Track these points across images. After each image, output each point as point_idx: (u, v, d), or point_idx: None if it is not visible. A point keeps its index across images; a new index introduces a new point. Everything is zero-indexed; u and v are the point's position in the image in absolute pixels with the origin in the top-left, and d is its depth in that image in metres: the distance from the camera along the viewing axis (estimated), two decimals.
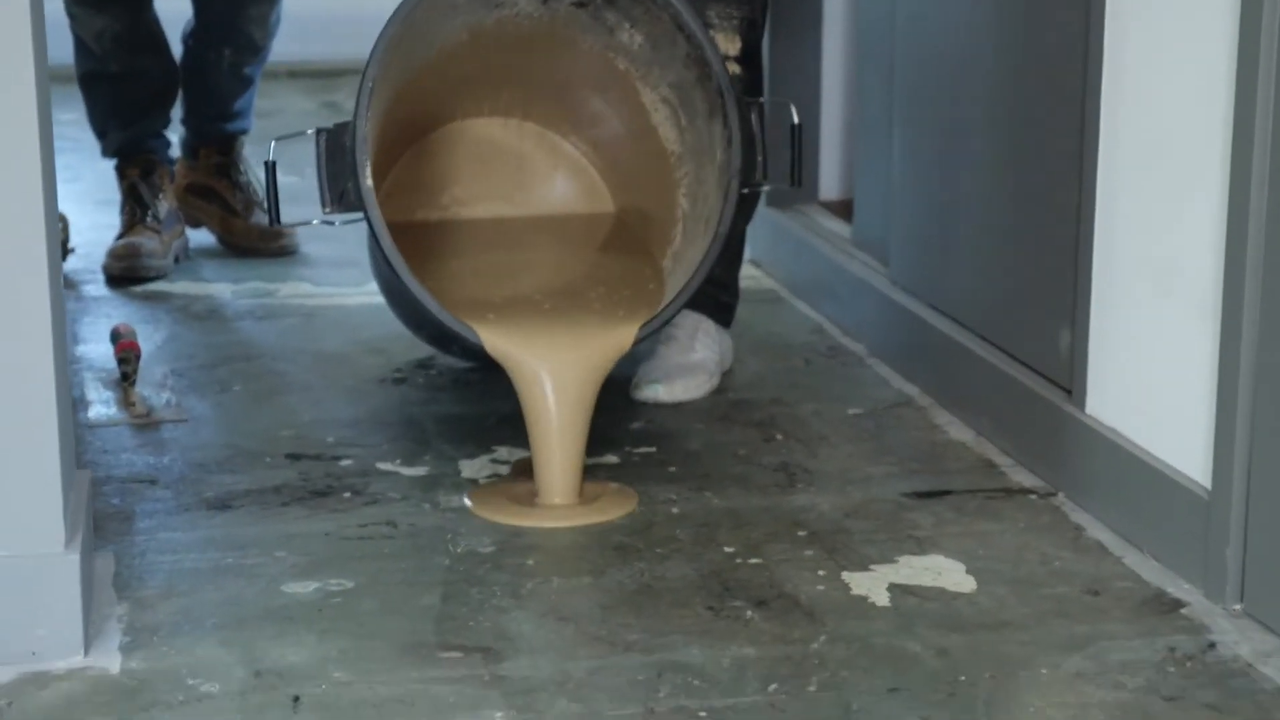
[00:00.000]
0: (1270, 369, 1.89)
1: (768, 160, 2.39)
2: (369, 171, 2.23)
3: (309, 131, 2.30)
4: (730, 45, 2.57)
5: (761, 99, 2.46)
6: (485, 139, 2.65)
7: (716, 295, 2.72)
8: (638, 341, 2.31)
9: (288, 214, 2.39)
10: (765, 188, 2.42)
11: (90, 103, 3.45)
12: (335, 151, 2.26)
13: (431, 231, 2.62)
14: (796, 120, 2.43)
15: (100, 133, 3.47)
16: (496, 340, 2.28)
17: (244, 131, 3.53)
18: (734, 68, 2.57)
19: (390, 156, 2.54)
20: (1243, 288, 1.91)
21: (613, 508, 2.25)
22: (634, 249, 2.57)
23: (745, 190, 2.37)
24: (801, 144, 2.46)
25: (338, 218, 2.28)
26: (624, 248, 2.60)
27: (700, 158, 2.43)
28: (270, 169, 2.31)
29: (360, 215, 2.25)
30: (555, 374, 2.26)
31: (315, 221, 2.31)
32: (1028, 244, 2.42)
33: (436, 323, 2.29)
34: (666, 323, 2.34)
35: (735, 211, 2.35)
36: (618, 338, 2.30)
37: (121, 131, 3.42)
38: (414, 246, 2.43)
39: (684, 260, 2.42)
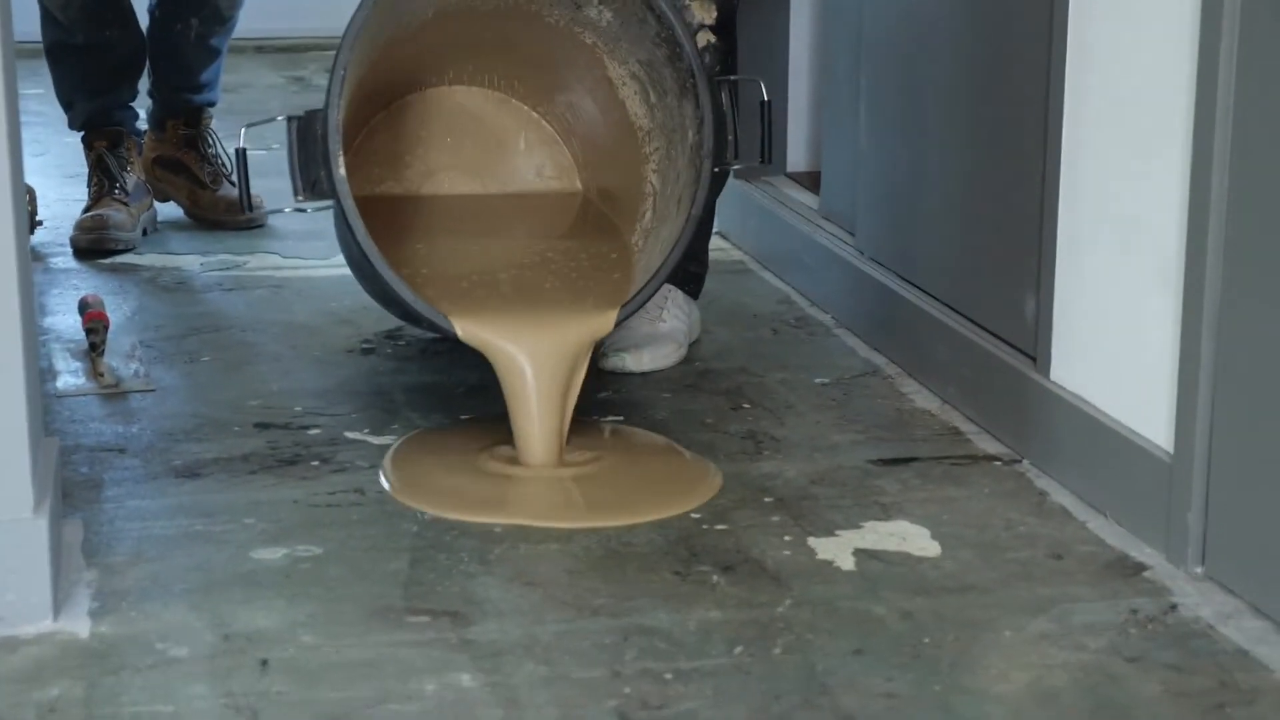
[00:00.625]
0: (1232, 334, 1.91)
1: (738, 139, 2.39)
2: (342, 161, 2.23)
3: (279, 118, 2.30)
4: (706, 14, 2.58)
5: (732, 77, 2.46)
6: (455, 107, 2.66)
7: (685, 266, 2.73)
8: (617, 325, 2.31)
9: (256, 187, 2.39)
10: (736, 166, 2.42)
11: (57, 74, 3.44)
12: (306, 139, 2.25)
13: (399, 207, 2.62)
14: (766, 97, 2.44)
15: (67, 104, 3.46)
16: (476, 331, 2.27)
17: (211, 103, 3.53)
18: (710, 36, 2.58)
19: (359, 120, 2.54)
20: (1205, 254, 1.92)
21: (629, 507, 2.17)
22: (603, 227, 2.57)
23: (717, 169, 2.38)
24: (771, 121, 2.47)
25: (310, 205, 2.28)
26: (593, 226, 2.60)
27: (670, 135, 2.44)
28: (240, 156, 2.30)
29: (332, 203, 2.25)
30: (536, 362, 2.25)
31: (288, 209, 2.30)
32: (993, 213, 2.43)
33: (408, 306, 2.29)
34: (643, 305, 2.34)
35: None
36: (598, 323, 2.30)
37: (88, 103, 3.42)
38: (382, 223, 2.43)
39: (656, 238, 2.42)
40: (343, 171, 2.22)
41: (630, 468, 2.30)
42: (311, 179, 2.25)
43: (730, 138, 2.38)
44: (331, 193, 2.24)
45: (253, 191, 3.18)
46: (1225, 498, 1.93)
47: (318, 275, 3.15)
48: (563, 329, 2.29)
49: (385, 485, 2.21)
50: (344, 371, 2.67)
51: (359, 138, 2.59)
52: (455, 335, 2.28)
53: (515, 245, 2.59)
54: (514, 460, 2.26)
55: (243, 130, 2.29)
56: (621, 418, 2.47)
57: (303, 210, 2.29)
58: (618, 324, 2.31)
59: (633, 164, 2.52)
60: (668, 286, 2.71)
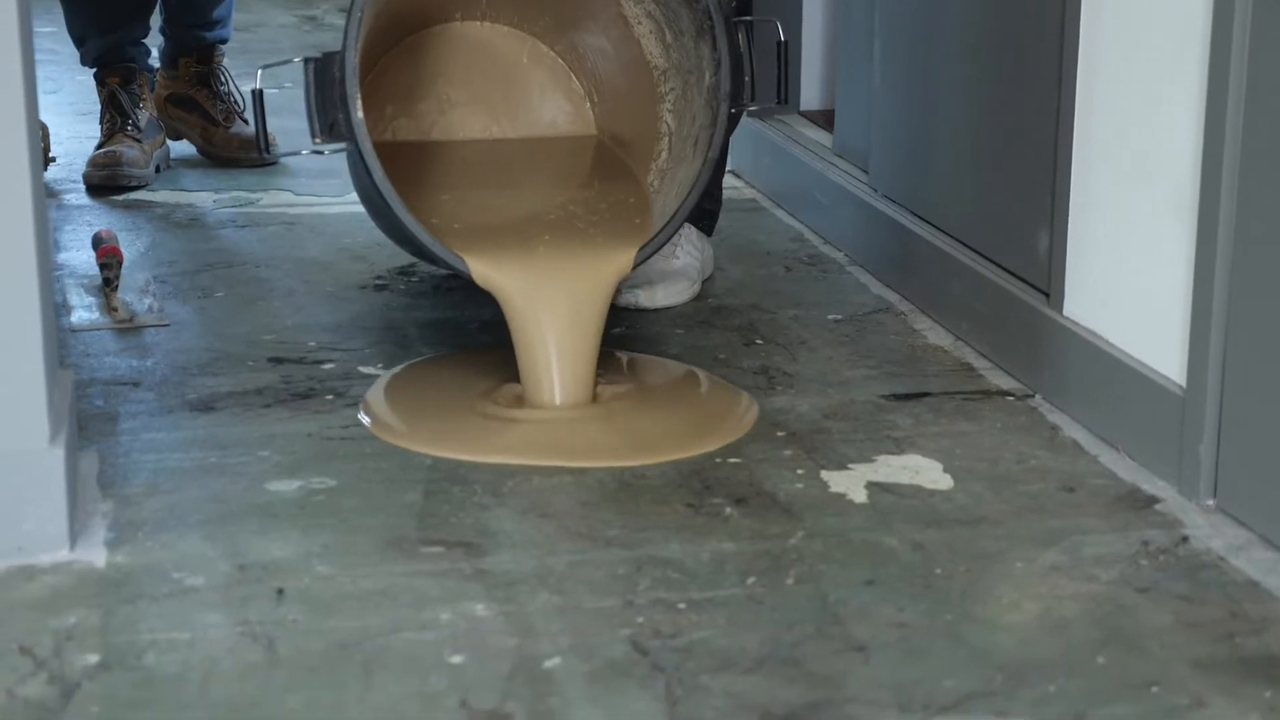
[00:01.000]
0: (1245, 267, 1.91)
1: (755, 80, 2.38)
2: (360, 104, 2.22)
3: (296, 60, 2.29)
4: None
5: (748, 18, 2.45)
6: (468, 43, 2.65)
7: (699, 203, 2.71)
8: (635, 265, 2.31)
9: (269, 125, 2.38)
10: (753, 108, 2.41)
11: (69, 11, 3.43)
12: (324, 81, 2.24)
13: (415, 148, 2.62)
14: (783, 37, 2.43)
15: (79, 41, 3.46)
16: (493, 274, 2.27)
17: (224, 40, 3.53)
18: None
19: (372, 57, 2.53)
20: (1218, 189, 1.92)
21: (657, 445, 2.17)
22: (618, 170, 2.56)
23: (734, 111, 2.37)
24: (788, 61, 2.46)
25: (327, 148, 2.27)
26: (609, 167, 2.59)
27: (686, 76, 2.43)
28: (257, 98, 2.29)
29: (350, 146, 2.24)
30: (553, 306, 2.25)
31: (305, 152, 2.29)
32: (1007, 149, 2.43)
33: (423, 246, 2.28)
34: (658, 249, 2.34)
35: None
36: (617, 263, 2.30)
37: (101, 39, 3.41)
38: (397, 164, 2.42)
39: (672, 180, 2.42)
40: (361, 114, 2.22)
41: (652, 405, 2.29)
42: (329, 122, 2.25)
43: (747, 79, 2.37)
44: (350, 136, 2.23)
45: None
46: (1237, 430, 1.93)
47: (330, 212, 3.15)
48: (580, 274, 2.28)
49: (365, 421, 2.21)
50: (357, 307, 2.67)
51: (371, 74, 2.59)
52: (469, 276, 2.28)
53: (532, 189, 2.58)
54: (521, 401, 2.26)
55: (259, 72, 2.29)
56: (635, 353, 2.48)
57: (320, 153, 2.28)
58: (634, 268, 2.31)
59: (648, 103, 2.51)
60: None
